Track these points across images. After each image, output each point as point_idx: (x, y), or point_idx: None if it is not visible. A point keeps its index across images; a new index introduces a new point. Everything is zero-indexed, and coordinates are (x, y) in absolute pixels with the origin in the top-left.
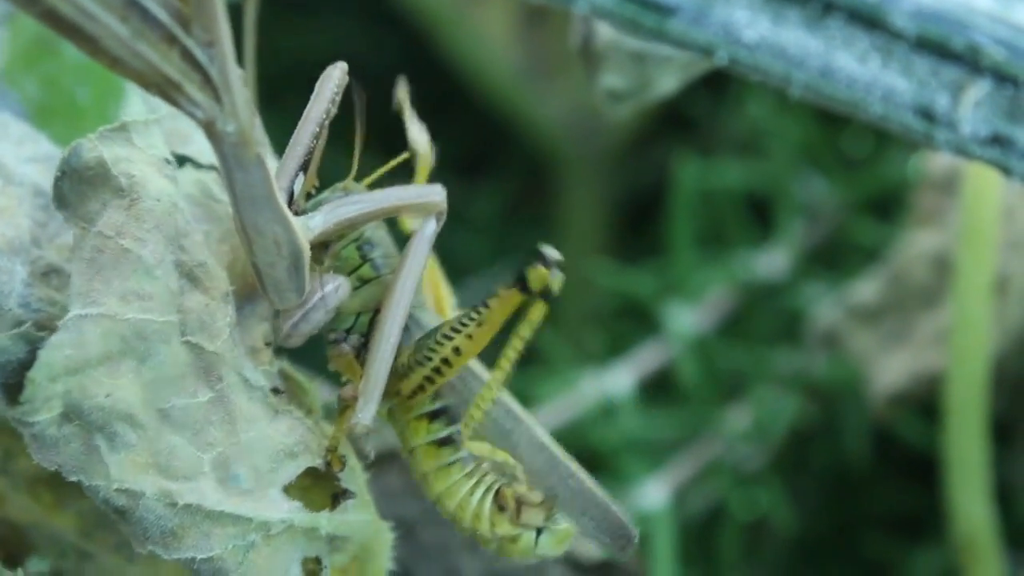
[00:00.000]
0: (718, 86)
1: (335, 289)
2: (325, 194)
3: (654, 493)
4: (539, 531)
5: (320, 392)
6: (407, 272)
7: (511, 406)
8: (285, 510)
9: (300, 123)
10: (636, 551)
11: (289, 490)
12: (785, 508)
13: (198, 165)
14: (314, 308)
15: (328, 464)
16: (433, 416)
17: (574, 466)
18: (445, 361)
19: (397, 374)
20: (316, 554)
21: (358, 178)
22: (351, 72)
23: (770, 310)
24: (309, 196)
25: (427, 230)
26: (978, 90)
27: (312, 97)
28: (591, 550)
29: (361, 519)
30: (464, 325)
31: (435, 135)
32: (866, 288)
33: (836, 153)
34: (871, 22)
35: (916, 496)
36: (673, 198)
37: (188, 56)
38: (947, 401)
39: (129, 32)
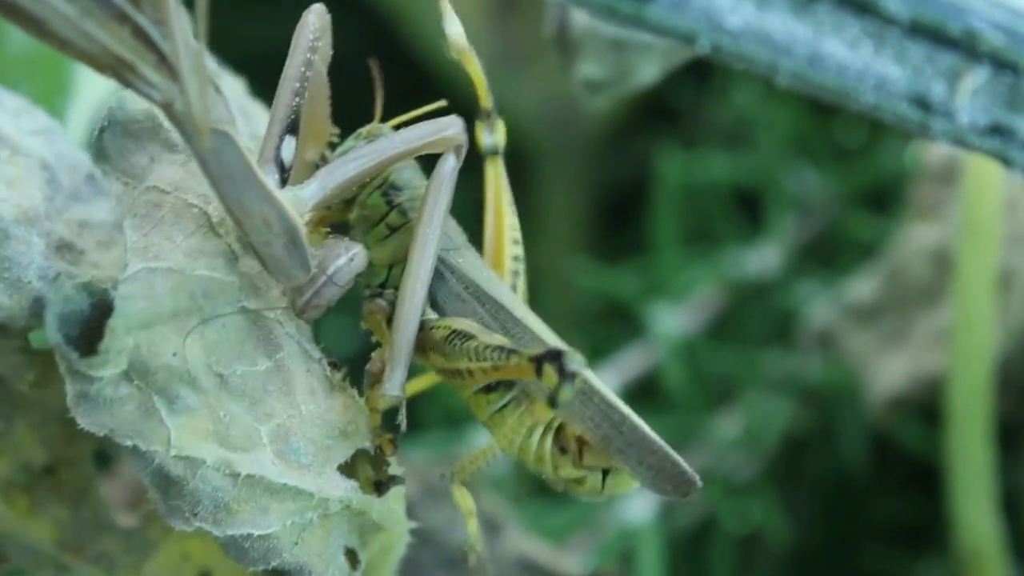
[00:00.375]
0: (703, 73)
1: (349, 260)
2: (349, 142)
3: (639, 506)
4: (605, 473)
5: None
6: (427, 221)
7: None
8: (344, 488)
9: (279, 84)
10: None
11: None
12: (779, 520)
13: None
14: (328, 283)
15: (379, 448)
16: (489, 389)
17: (627, 412)
18: (459, 371)
19: (428, 337)
20: (353, 545)
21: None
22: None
23: (761, 310)
24: (333, 147)
25: (445, 168)
26: (976, 77)
27: (289, 52)
28: (573, 567)
29: (400, 511)
30: (479, 358)
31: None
32: (862, 286)
33: (829, 143)
34: (862, 6)
35: (918, 505)
36: (656, 192)
37: (140, 34)
38: (949, 405)
39: (77, 11)
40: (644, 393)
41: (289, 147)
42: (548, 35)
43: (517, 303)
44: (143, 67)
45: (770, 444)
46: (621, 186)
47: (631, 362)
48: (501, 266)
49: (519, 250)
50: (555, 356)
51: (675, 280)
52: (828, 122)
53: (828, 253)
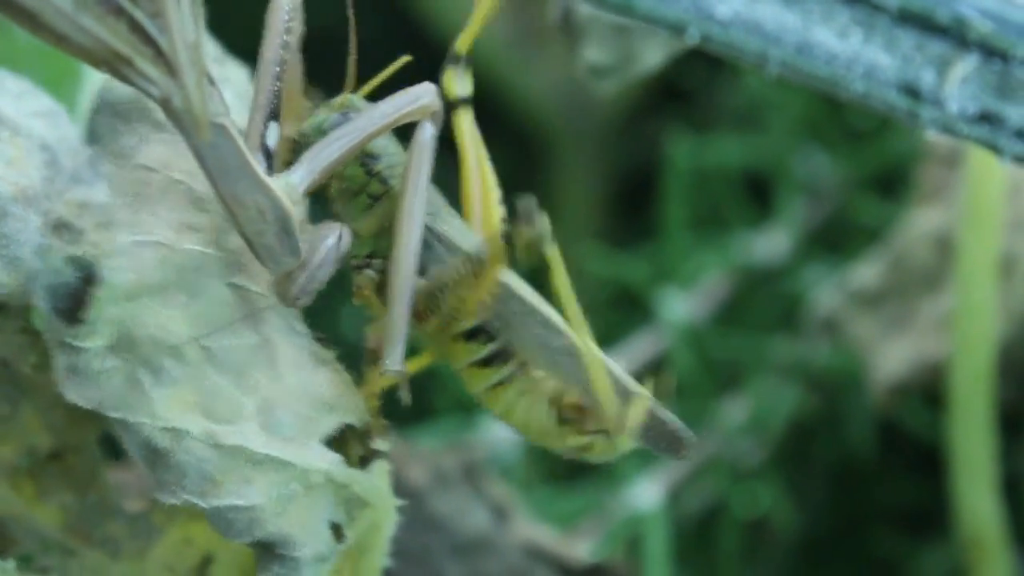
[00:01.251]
0: (714, 58)
1: (336, 241)
2: (321, 114)
3: (647, 492)
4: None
5: None
6: (410, 192)
7: (549, 315)
8: (328, 460)
9: (256, 71)
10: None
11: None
12: (786, 505)
13: None
14: (317, 268)
15: (368, 423)
16: (469, 336)
17: (621, 374)
18: (455, 311)
19: (425, 300)
20: (338, 520)
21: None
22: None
23: (769, 296)
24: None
25: (423, 137)
26: (965, 65)
27: (264, 36)
28: (581, 553)
29: (384, 488)
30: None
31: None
32: (867, 271)
33: (839, 127)
34: None
35: (923, 490)
36: (667, 178)
37: (137, 28)
38: (951, 390)
39: (72, 5)
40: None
41: (273, 133)
42: (552, 22)
43: None
44: (140, 62)
45: (777, 430)
46: (633, 171)
47: (640, 347)
48: (492, 227)
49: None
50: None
51: (684, 266)
52: (839, 107)
53: (836, 238)
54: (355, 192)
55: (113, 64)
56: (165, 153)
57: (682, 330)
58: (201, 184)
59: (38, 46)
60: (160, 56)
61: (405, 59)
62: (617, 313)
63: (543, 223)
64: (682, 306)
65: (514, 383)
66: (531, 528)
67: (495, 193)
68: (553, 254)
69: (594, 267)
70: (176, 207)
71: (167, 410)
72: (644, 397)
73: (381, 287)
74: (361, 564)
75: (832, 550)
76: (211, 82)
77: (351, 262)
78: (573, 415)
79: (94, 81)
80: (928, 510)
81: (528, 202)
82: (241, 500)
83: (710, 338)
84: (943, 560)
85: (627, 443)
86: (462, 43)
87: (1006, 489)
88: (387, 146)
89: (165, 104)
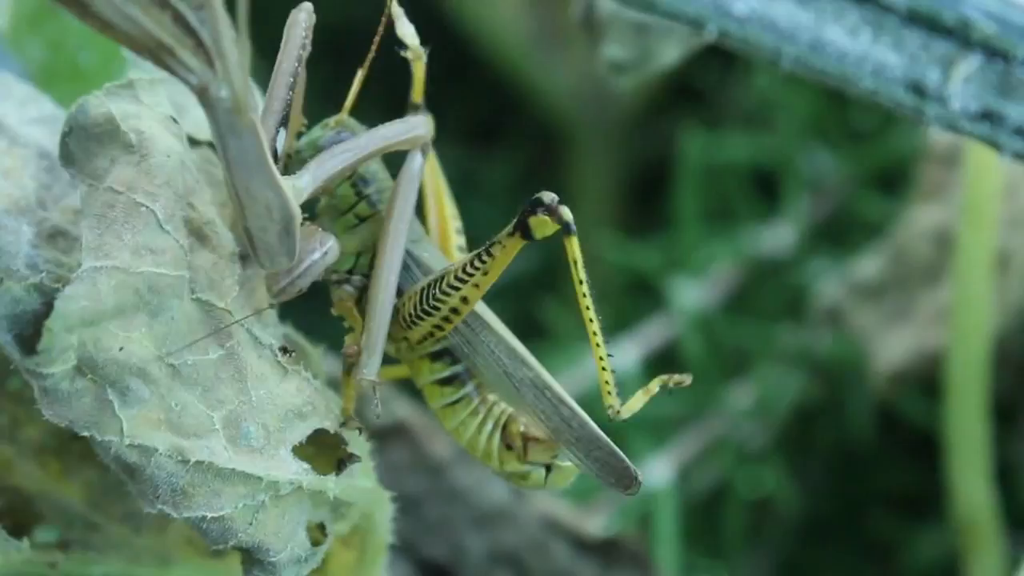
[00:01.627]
0: (728, 56)
1: (323, 254)
2: (316, 131)
3: (659, 470)
4: (548, 468)
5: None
6: (396, 216)
7: (515, 346)
8: (294, 471)
9: (272, 78)
10: (640, 485)
11: (295, 453)
12: (788, 486)
13: (194, 141)
14: (303, 274)
15: (341, 426)
16: (435, 357)
17: (576, 408)
18: (453, 310)
19: (401, 320)
20: (321, 520)
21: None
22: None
23: (775, 286)
24: (300, 135)
25: (414, 166)
26: (968, 65)
27: (281, 47)
28: (595, 528)
29: (365, 486)
30: (469, 275)
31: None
32: (868, 264)
33: (844, 126)
34: None
35: (921, 475)
36: (680, 172)
37: (180, 19)
38: (948, 379)
39: None
40: (664, 363)
41: (281, 139)
42: (575, 19)
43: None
44: (182, 51)
45: (781, 414)
46: (648, 165)
47: (652, 334)
48: (451, 255)
49: (462, 240)
50: (534, 205)
51: (695, 256)
52: (843, 106)
53: (839, 232)
54: (343, 211)
55: (155, 52)
56: (131, 174)
57: (692, 317)
58: (163, 206)
59: (88, 29)
60: (201, 47)
61: (364, 69)
62: (631, 300)
63: (566, 214)
64: (693, 294)
65: (468, 404)
66: (548, 502)
67: (458, 231)
68: (573, 246)
69: (610, 255)
70: (137, 229)
71: (135, 428)
72: (597, 435)
73: (359, 301)
74: (367, 546)
75: (832, 530)
76: (249, 78)
77: (331, 276)
78: (519, 443)
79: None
80: (924, 494)
81: (552, 194)
82: (211, 511)
83: (719, 325)
84: (938, 542)
85: (564, 481)
86: (416, 95)
87: (999, 475)
88: (377, 172)
89: (202, 93)
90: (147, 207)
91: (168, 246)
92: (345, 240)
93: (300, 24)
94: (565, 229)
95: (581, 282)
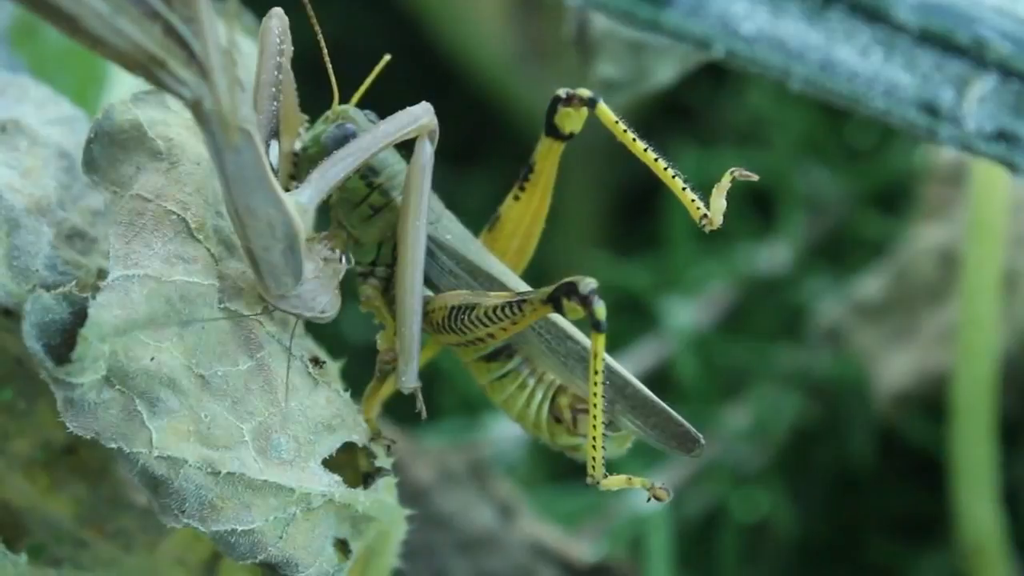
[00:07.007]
0: (718, 74)
1: (320, 313)
2: (318, 126)
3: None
4: None
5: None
6: (414, 210)
7: (555, 320)
8: (326, 483)
9: (254, 91)
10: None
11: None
12: (786, 510)
13: None
14: (309, 305)
15: (371, 440)
16: (491, 358)
17: (628, 376)
18: (479, 339)
19: (430, 324)
20: (344, 536)
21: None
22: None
23: (771, 305)
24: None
25: (423, 154)
26: (983, 85)
27: (257, 59)
28: (585, 553)
29: (390, 501)
30: (497, 319)
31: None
32: (871, 284)
33: (840, 144)
34: (873, 14)
35: (923, 498)
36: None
37: (171, 32)
38: (953, 401)
39: (110, 8)
40: (657, 384)
41: (273, 151)
42: (568, 38)
43: (509, 274)
44: (173, 64)
45: (778, 436)
46: (638, 182)
47: (645, 354)
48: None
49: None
50: (569, 288)
51: (688, 275)
52: (840, 123)
53: (838, 251)
54: (356, 203)
55: (147, 67)
56: (160, 182)
57: (686, 337)
58: (194, 215)
59: (65, 50)
60: (193, 60)
61: (387, 58)
62: (623, 320)
63: (599, 312)
64: (687, 314)
65: (516, 378)
66: (536, 526)
67: None
68: (598, 342)
69: (601, 275)
70: (168, 238)
71: (164, 440)
72: (648, 398)
73: (386, 293)
74: (370, 567)
75: (831, 555)
76: (242, 88)
77: (356, 270)
78: (567, 416)
79: (120, 87)
80: (926, 518)
81: (591, 282)
82: (241, 525)
83: (714, 345)
84: (941, 567)
85: (619, 448)
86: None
87: (1007, 498)
88: (386, 158)
89: (196, 107)
90: (178, 215)
91: (199, 255)
92: (362, 232)
93: (272, 31)
94: (595, 327)
95: (596, 372)
